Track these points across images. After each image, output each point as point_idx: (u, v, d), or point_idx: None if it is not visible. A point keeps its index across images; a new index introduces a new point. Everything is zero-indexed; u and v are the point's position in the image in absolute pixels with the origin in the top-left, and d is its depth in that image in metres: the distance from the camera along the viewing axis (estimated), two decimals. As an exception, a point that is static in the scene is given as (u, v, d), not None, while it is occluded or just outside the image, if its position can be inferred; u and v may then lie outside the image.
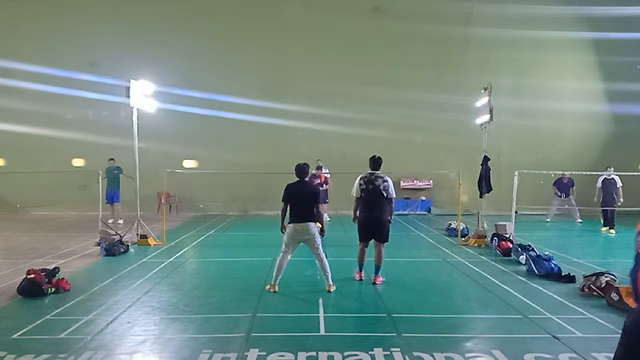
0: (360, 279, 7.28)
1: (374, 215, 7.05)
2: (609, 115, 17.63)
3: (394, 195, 7.14)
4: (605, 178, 13.10)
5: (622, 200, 13.03)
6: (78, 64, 16.40)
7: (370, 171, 7.17)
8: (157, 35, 16.69)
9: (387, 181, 7.05)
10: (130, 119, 10.58)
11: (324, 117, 16.83)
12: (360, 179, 7.15)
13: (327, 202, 14.65)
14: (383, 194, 6.99)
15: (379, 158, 7.22)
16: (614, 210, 12.93)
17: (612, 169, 13.13)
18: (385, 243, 7.19)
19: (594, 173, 13.67)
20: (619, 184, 13.07)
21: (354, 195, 7.20)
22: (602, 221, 13.44)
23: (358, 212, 7.18)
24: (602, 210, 13.20)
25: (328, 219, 14.12)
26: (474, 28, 17.30)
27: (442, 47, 17.15)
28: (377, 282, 7.09)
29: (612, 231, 12.80)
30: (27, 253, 9.47)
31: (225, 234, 12.52)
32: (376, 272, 7.13)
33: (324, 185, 13.87)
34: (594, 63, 17.66)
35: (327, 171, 14.58)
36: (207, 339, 4.79)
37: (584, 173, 14.46)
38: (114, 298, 6.31)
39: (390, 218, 7.13)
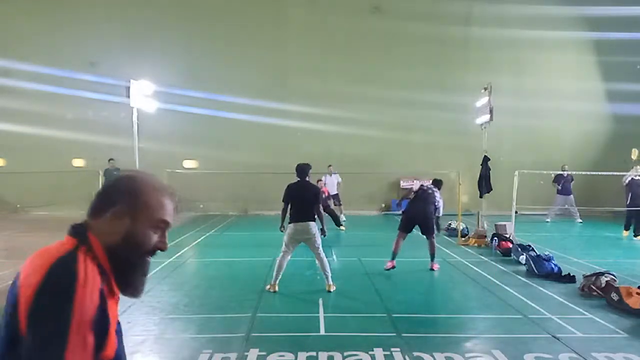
0: (390, 268, 7.81)
1: (421, 211, 8.12)
2: (609, 115, 17.61)
3: (440, 206, 8.40)
4: (632, 178, 11.67)
5: None
6: (78, 64, 16.37)
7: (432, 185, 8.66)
8: (157, 35, 16.67)
9: (438, 193, 8.42)
10: (130, 119, 10.58)
11: (324, 117, 16.80)
12: (425, 183, 8.73)
13: (341, 204, 14.60)
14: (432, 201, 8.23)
15: (440, 180, 8.90)
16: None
17: None
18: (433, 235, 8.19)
19: (593, 173, 13.64)
20: None
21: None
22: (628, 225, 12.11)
23: (407, 205, 8.50)
24: (628, 212, 11.89)
25: (344, 218, 14.06)
26: (474, 28, 17.29)
27: (442, 47, 17.13)
28: (434, 269, 8.03)
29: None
30: (27, 253, 9.41)
31: (225, 234, 12.52)
32: (431, 260, 8.11)
33: (328, 200, 13.60)
34: (594, 63, 17.65)
35: (338, 176, 14.61)
36: (207, 339, 4.79)
37: (583, 173, 14.45)
38: (114, 298, 6.30)
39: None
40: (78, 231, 1.35)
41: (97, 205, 1.39)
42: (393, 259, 7.89)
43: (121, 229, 1.34)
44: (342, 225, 13.21)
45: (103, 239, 1.33)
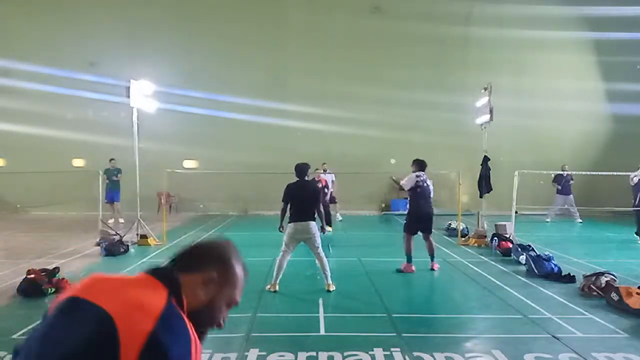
0: (409, 272, 7.79)
1: (427, 210, 8.09)
2: (609, 115, 17.61)
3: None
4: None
5: None
6: (78, 63, 16.38)
7: (421, 172, 8.16)
8: (157, 35, 16.68)
9: (429, 180, 8.26)
10: (130, 119, 10.58)
11: (324, 117, 16.81)
12: (417, 175, 8.10)
13: (336, 202, 14.56)
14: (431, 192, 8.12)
15: (423, 160, 8.36)
16: None
17: None
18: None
19: (593, 173, 13.61)
20: None
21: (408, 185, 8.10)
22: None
23: (410, 206, 8.24)
24: (637, 212, 11.23)
25: (340, 218, 14.01)
26: (474, 28, 17.29)
27: (442, 47, 17.13)
28: (434, 268, 7.95)
29: None
30: (27, 253, 9.46)
31: (225, 234, 12.52)
32: (431, 259, 8.06)
33: (326, 189, 13.56)
34: (594, 63, 17.65)
35: (333, 175, 14.53)
36: (207, 339, 4.78)
37: (583, 173, 14.44)
38: (114, 298, 6.29)
39: None
40: (171, 282, 1.26)
41: (190, 261, 1.34)
42: (409, 261, 7.87)
43: (207, 297, 1.31)
44: (330, 226, 12.33)
45: (190, 298, 1.28)
